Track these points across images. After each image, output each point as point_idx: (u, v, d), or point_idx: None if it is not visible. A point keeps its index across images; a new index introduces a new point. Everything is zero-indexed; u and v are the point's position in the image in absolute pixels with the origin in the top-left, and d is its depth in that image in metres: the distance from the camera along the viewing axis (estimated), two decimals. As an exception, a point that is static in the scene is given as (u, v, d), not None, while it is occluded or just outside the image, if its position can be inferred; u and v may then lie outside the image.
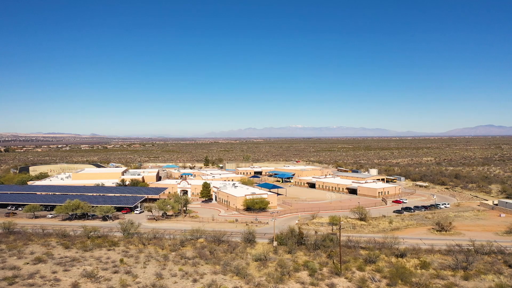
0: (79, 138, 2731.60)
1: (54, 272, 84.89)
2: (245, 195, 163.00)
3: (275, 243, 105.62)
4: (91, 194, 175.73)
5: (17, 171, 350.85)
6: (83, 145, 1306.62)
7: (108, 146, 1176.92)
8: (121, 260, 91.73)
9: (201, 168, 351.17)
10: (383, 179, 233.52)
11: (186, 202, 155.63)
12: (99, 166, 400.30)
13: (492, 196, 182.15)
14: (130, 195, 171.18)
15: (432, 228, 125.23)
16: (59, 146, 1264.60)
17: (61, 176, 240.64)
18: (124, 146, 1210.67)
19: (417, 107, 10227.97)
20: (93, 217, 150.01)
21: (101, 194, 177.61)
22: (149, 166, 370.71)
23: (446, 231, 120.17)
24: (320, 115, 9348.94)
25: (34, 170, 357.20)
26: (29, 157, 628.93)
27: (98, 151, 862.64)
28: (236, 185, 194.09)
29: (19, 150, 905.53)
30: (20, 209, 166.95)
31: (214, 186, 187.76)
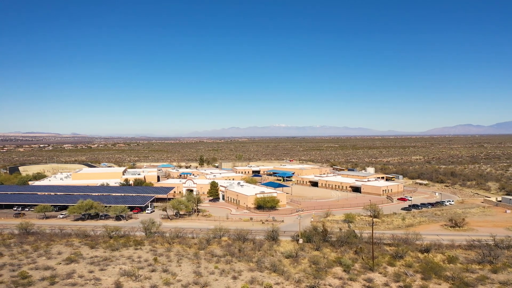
0: (60, 138, 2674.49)
1: (91, 272, 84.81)
2: (256, 194, 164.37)
3: (301, 241, 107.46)
4: (98, 194, 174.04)
5: (7, 171, 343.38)
6: (66, 145, 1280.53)
7: (92, 146, 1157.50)
8: (155, 259, 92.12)
9: (196, 167, 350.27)
10: (382, 177, 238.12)
11: (198, 201, 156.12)
12: (90, 166, 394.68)
13: (492, 193, 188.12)
14: (138, 194, 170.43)
15: (445, 225, 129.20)
16: (41, 145, 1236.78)
17: (60, 176, 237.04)
18: (109, 145, 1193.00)
19: (398, 107, 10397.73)
20: (106, 217, 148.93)
21: (108, 194, 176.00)
22: (144, 166, 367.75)
23: (459, 227, 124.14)
24: (303, 115, 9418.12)
25: (25, 170, 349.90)
26: (13, 157, 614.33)
27: (83, 151, 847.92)
28: (241, 184, 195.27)
29: (0, 150, 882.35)
30: (27, 209, 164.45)
31: (221, 185, 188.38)
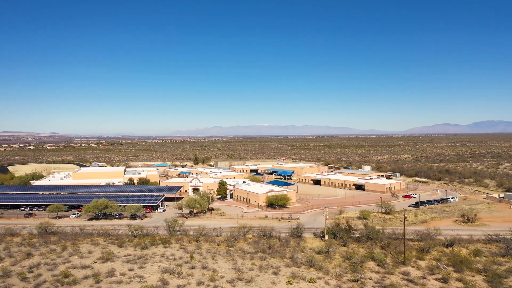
0: (39, 137, 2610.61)
1: (131, 270, 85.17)
2: (267, 192, 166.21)
3: (326, 237, 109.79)
4: (106, 193, 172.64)
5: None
6: (47, 144, 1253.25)
7: (75, 145, 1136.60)
8: (191, 257, 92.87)
9: (192, 166, 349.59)
10: (381, 175, 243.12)
11: (211, 200, 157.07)
12: (82, 166, 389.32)
13: (491, 190, 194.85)
14: (149, 193, 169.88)
15: (457, 220, 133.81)
16: (21, 145, 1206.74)
17: (60, 175, 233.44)
18: (92, 145, 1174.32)
19: (379, 106, 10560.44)
20: (120, 216, 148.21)
21: (114, 193, 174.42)
22: (138, 166, 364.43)
23: (471, 222, 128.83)
24: (286, 114, 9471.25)
25: (15, 170, 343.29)
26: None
27: (67, 150, 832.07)
28: (248, 182, 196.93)
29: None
30: (35, 209, 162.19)
31: (228, 184, 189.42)
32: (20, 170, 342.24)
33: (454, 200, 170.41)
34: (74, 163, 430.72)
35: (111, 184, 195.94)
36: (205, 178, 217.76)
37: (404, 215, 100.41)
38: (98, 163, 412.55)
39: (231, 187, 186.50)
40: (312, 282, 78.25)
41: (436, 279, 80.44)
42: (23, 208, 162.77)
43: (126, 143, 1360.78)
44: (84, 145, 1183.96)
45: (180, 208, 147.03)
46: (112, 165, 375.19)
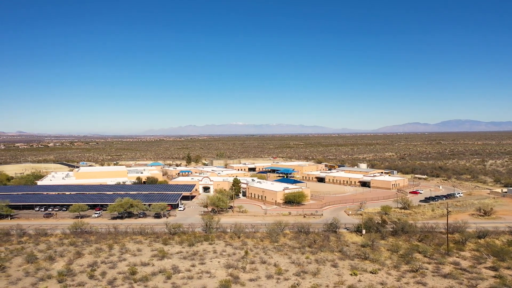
0: (6, 136, 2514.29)
1: (193, 266, 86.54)
2: (284, 190, 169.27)
3: (364, 231, 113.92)
4: (117, 192, 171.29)
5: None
6: (18, 144, 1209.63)
7: (49, 145, 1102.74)
8: (246, 252, 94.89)
9: (186, 165, 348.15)
10: (382, 173, 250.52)
11: (232, 197, 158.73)
12: (69, 165, 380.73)
13: (490, 186, 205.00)
14: (165, 192, 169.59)
15: (473, 214, 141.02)
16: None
17: (60, 175, 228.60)
18: (67, 144, 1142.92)
19: (350, 105, 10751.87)
20: (144, 215, 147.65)
21: (126, 192, 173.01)
22: (132, 165, 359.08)
23: (488, 215, 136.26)
24: (260, 113, 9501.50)
25: (1, 170, 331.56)
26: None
27: (42, 150, 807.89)
28: (257, 180, 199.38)
29: None
30: (50, 209, 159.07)
31: (241, 182, 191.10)
32: (6, 170, 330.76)
33: (460, 196, 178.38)
34: (59, 163, 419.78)
35: (121, 183, 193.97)
36: (214, 176, 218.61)
37: (447, 208, 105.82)
38: (85, 162, 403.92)
39: (244, 185, 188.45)
40: (374, 273, 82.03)
41: (486, 268, 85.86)
42: (37, 209, 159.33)
43: (101, 142, 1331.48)
44: (57, 144, 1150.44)
45: (206, 206, 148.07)
46: (102, 165, 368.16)
